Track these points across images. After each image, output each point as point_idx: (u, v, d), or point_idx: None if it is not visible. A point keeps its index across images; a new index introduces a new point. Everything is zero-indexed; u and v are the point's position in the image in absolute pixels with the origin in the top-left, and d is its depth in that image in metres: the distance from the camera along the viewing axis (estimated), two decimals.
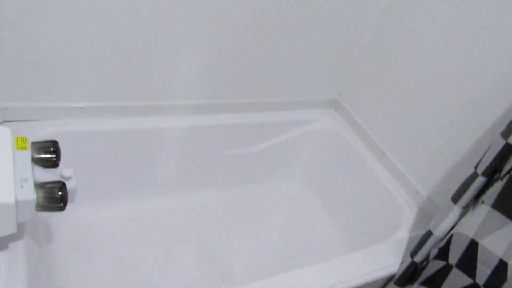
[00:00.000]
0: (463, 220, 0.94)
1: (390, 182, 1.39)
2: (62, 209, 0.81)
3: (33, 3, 0.97)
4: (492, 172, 0.91)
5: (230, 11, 1.20)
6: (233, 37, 1.26)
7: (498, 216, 0.86)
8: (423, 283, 1.03)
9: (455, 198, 0.96)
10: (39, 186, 0.79)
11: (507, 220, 0.85)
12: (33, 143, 0.88)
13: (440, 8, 1.22)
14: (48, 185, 0.79)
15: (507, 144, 0.85)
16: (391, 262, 1.10)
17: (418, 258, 1.03)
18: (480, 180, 0.91)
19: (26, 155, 0.82)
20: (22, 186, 0.75)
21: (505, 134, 0.86)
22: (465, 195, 0.94)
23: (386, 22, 1.41)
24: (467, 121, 1.16)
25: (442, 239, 0.99)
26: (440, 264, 0.98)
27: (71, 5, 1.01)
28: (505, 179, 0.85)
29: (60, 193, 0.79)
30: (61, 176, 0.90)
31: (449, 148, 1.22)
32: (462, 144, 1.18)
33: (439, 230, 0.99)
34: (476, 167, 0.92)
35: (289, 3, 1.26)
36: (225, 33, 1.24)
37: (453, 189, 0.99)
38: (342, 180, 1.55)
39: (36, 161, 0.85)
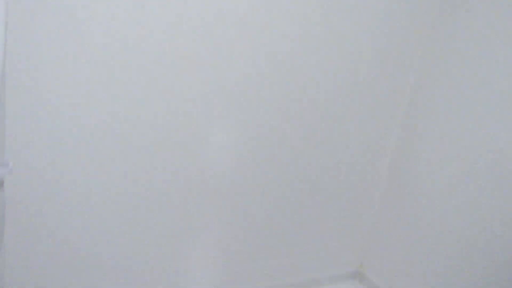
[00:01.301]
0: None
1: None
2: None
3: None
4: None
5: (248, 192, 1.27)
6: (248, 218, 1.30)
7: None
8: None
9: None
10: None
11: None
12: None
13: (450, 168, 1.25)
14: None
15: None
16: None
17: None
18: None
19: None
20: None
21: None
22: None
23: (393, 184, 1.38)
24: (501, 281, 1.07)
25: None
26: None
27: None
28: None
29: None
30: None
31: None
32: None
33: None
34: None
35: (292, 184, 1.34)
36: (241, 217, 1.30)
37: None
38: None
39: None
